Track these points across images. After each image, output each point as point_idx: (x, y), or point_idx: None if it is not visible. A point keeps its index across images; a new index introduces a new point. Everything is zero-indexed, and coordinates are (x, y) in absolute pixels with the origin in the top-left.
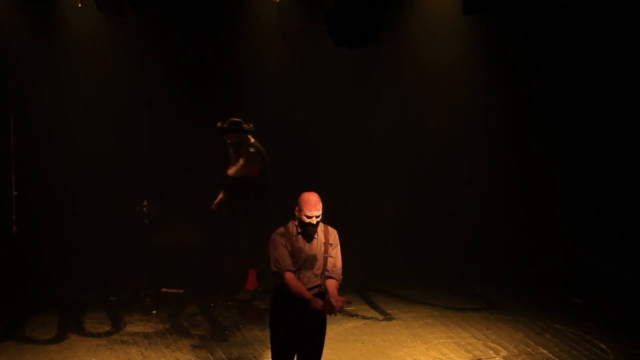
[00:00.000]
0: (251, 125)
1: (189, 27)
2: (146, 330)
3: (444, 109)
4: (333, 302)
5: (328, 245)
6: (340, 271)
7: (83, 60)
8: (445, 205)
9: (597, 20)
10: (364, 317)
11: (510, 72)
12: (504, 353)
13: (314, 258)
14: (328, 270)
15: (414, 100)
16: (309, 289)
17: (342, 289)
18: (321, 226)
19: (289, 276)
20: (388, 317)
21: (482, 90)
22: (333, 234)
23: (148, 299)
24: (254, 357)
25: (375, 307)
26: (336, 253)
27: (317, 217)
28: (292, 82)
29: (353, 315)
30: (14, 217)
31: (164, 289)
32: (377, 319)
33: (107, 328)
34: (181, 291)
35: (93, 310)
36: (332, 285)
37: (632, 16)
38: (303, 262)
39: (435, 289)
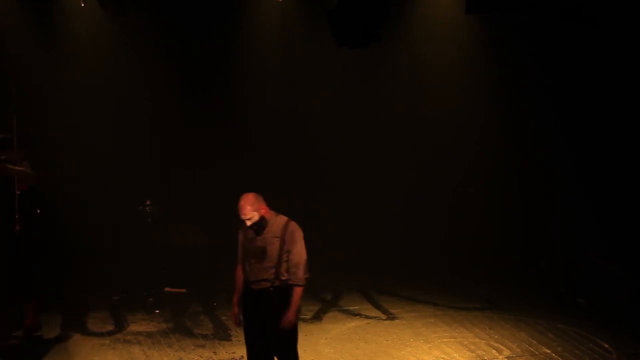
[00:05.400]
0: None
1: (191, 26)
2: (149, 330)
3: (446, 108)
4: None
5: (281, 240)
6: (301, 274)
7: (85, 59)
8: (447, 205)
9: (598, 20)
10: (367, 317)
11: (513, 71)
12: (507, 352)
13: (262, 250)
14: (290, 272)
15: (416, 100)
16: (258, 282)
17: (345, 288)
18: (282, 220)
19: (237, 270)
20: (391, 317)
21: (484, 89)
22: (290, 229)
23: (151, 299)
24: None
25: (378, 307)
26: (297, 251)
27: (249, 219)
28: (294, 81)
29: (356, 315)
30: (17, 216)
31: (167, 289)
32: (380, 319)
33: (110, 327)
34: (184, 291)
35: (96, 309)
36: (294, 296)
37: (632, 16)
38: (252, 253)
39: (438, 289)
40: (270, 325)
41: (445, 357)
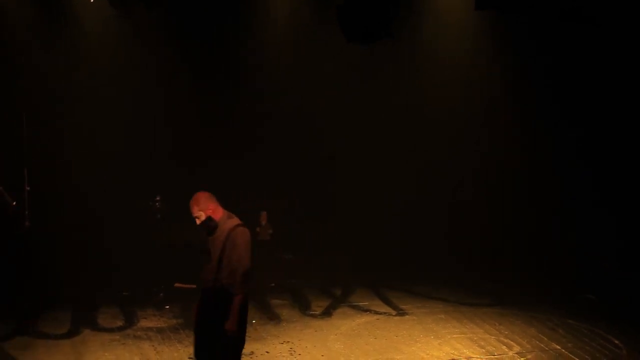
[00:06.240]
0: None
1: (200, 23)
2: (159, 325)
3: (452, 106)
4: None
5: (223, 243)
6: (238, 281)
7: (94, 58)
8: (456, 203)
9: (598, 20)
10: (377, 312)
11: (521, 68)
12: (517, 348)
13: (209, 251)
14: (228, 276)
15: (422, 98)
16: (204, 281)
17: (354, 284)
18: (231, 224)
19: None
20: (401, 313)
21: (492, 85)
22: (233, 235)
23: (161, 294)
24: (267, 351)
25: (388, 303)
26: (235, 258)
27: (197, 218)
28: (302, 77)
29: (366, 311)
30: (27, 212)
31: (177, 284)
32: (390, 314)
33: (120, 323)
34: (194, 286)
35: (106, 305)
36: (233, 304)
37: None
38: (205, 253)
39: (448, 285)
40: (204, 325)
41: (455, 352)
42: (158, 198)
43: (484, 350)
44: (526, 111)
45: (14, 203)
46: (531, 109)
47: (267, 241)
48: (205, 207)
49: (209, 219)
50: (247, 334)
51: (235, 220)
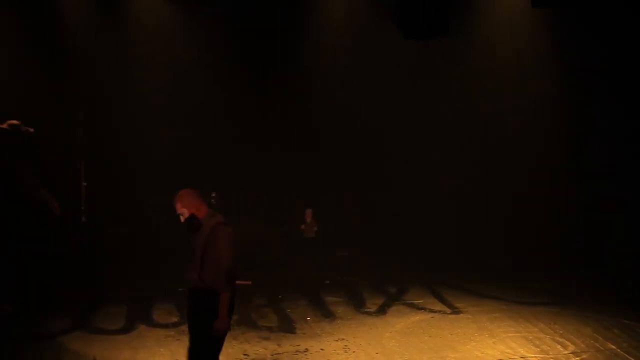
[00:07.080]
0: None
1: (258, 20)
2: None
3: (512, 103)
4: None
5: (204, 242)
6: (221, 279)
7: (151, 54)
8: (511, 200)
9: None
10: (431, 311)
11: (579, 66)
12: (572, 348)
13: (193, 250)
14: (212, 275)
15: (481, 95)
16: (189, 281)
17: (409, 282)
18: (213, 222)
19: None
20: (456, 311)
21: (548, 83)
22: (214, 233)
23: None
24: (321, 349)
25: (442, 301)
26: (216, 256)
27: (180, 215)
28: (359, 74)
29: (420, 309)
30: (83, 207)
31: None
32: (445, 313)
33: (175, 319)
34: (250, 283)
35: (161, 301)
36: (220, 302)
37: None
38: (192, 251)
39: (503, 284)
40: (194, 327)
41: (510, 351)
42: (214, 194)
43: (539, 350)
44: (584, 109)
45: (58, 214)
46: (589, 107)
47: (312, 238)
48: (188, 205)
49: (192, 216)
50: (302, 332)
51: (219, 218)
